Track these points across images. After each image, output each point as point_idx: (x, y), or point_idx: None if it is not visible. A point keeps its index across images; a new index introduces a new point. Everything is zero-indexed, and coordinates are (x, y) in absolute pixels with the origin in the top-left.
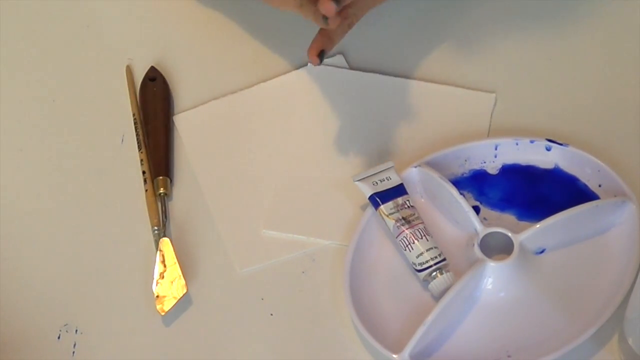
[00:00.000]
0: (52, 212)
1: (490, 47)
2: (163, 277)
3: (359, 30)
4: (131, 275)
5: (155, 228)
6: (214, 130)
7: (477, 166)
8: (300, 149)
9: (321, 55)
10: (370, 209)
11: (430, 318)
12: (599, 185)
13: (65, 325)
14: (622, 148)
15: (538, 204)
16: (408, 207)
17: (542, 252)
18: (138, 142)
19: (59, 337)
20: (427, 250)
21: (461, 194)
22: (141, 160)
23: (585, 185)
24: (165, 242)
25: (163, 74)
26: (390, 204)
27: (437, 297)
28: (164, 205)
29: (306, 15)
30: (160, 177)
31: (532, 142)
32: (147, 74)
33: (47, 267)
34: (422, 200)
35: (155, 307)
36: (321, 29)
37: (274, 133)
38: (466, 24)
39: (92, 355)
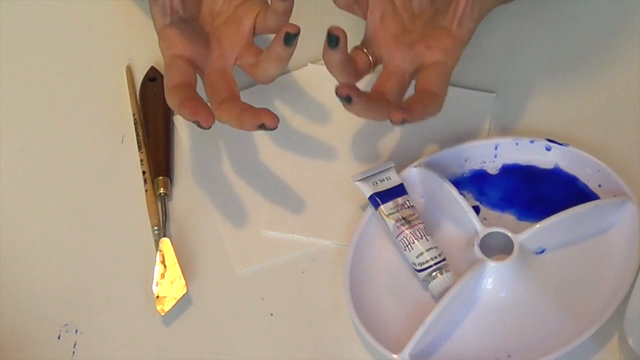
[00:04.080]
0: (52, 212)
1: (490, 47)
2: (163, 278)
3: (359, 30)
4: (131, 275)
5: (155, 228)
6: (214, 130)
7: (477, 166)
8: (300, 149)
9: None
10: (370, 209)
11: (430, 318)
12: (599, 185)
13: (65, 325)
14: (622, 148)
15: (538, 204)
16: (408, 207)
17: (542, 252)
18: (138, 142)
19: (59, 337)
20: (427, 250)
21: (461, 194)
22: (141, 160)
23: (585, 185)
24: (165, 242)
25: (163, 74)
26: (390, 204)
27: (437, 297)
28: (164, 205)
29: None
30: (160, 177)
31: (532, 142)
32: (147, 74)
33: (47, 267)
34: (422, 200)
35: (155, 307)
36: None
37: (274, 133)
38: None
39: (92, 355)
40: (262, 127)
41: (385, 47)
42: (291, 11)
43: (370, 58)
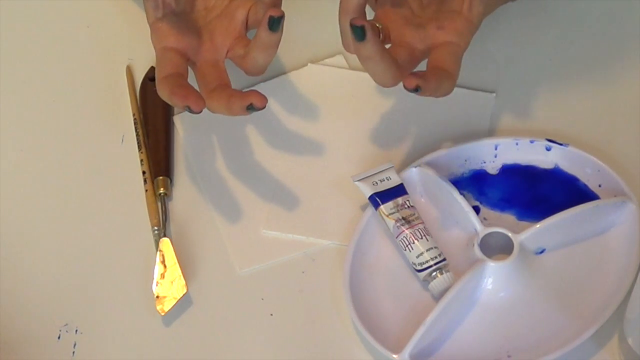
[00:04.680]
0: (52, 212)
1: (490, 47)
2: (163, 278)
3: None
4: (131, 275)
5: (155, 228)
6: (214, 130)
7: (477, 166)
8: (300, 149)
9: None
10: (370, 209)
11: (430, 318)
12: (599, 185)
13: (65, 325)
14: (622, 148)
15: (538, 204)
16: (408, 207)
17: (542, 252)
18: (138, 142)
19: (59, 337)
20: (427, 250)
21: (461, 194)
22: (141, 160)
23: (585, 185)
24: (165, 242)
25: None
26: (390, 204)
27: (437, 297)
28: (164, 205)
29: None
30: (160, 177)
31: (532, 142)
32: (147, 74)
33: (47, 267)
34: (422, 200)
35: (155, 307)
36: None
37: (274, 133)
38: None
39: (92, 355)
40: (251, 107)
41: (394, 26)
42: (280, 3)
43: (381, 35)
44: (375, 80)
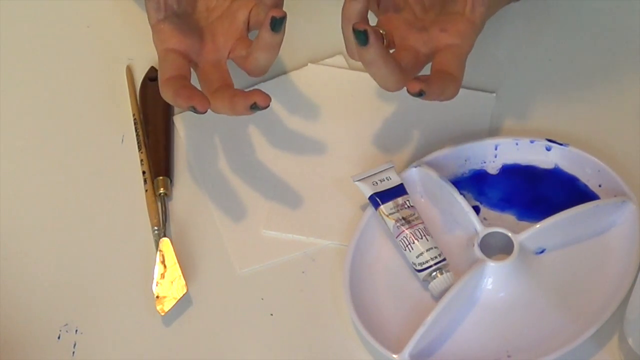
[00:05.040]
0: (52, 212)
1: (490, 48)
2: (163, 278)
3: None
4: (131, 275)
5: (155, 228)
6: (214, 130)
7: (477, 166)
8: (300, 149)
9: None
10: (370, 209)
11: (430, 318)
12: (599, 185)
13: (65, 325)
14: (622, 148)
15: (538, 204)
16: (408, 207)
17: (542, 252)
18: (138, 142)
19: (59, 337)
20: (427, 250)
21: (461, 194)
22: (141, 160)
23: (585, 185)
24: (165, 242)
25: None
26: (390, 204)
27: (437, 297)
28: (164, 205)
29: None
30: (160, 177)
31: (532, 142)
32: (147, 74)
33: (47, 267)
34: (422, 200)
35: (155, 307)
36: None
37: (274, 133)
38: None
39: (92, 355)
40: (255, 107)
41: (397, 31)
42: (282, 4)
43: (385, 41)
44: (379, 85)
